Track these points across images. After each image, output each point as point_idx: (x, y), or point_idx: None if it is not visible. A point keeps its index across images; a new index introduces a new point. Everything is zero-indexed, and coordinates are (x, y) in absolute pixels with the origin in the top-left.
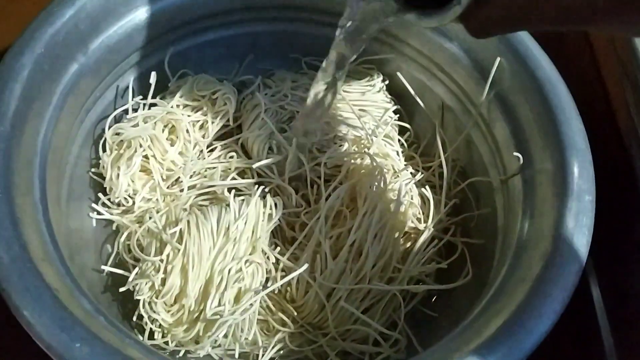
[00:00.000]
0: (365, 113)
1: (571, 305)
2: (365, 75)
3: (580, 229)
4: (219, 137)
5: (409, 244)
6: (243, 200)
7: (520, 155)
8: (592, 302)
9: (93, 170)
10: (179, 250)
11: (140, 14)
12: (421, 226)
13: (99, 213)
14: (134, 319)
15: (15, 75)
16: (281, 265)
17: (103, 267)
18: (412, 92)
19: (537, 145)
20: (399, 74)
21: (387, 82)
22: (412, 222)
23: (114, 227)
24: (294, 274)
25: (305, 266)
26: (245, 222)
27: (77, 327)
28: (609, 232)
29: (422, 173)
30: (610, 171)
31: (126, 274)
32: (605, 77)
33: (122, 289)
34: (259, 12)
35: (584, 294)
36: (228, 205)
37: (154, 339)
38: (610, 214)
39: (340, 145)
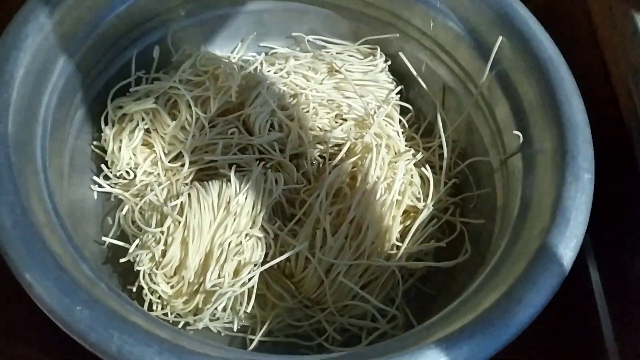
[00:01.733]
0: (368, 92)
1: (570, 289)
2: (368, 55)
3: (578, 206)
4: (221, 113)
5: (408, 222)
6: (244, 175)
7: (520, 134)
8: (590, 285)
9: (95, 143)
10: (179, 222)
11: None
12: (420, 205)
13: (100, 186)
14: (134, 290)
15: (20, 43)
16: (280, 240)
17: (104, 238)
18: (414, 72)
19: (538, 124)
20: (401, 54)
21: (389, 62)
22: (412, 200)
23: (115, 200)
24: (294, 250)
25: (306, 243)
26: (246, 197)
27: (79, 290)
28: (608, 215)
29: (422, 153)
30: (611, 155)
31: (127, 245)
32: (608, 60)
33: (122, 260)
34: None
35: (583, 277)
36: (229, 180)
37: (153, 311)
38: (610, 198)
39: (342, 124)
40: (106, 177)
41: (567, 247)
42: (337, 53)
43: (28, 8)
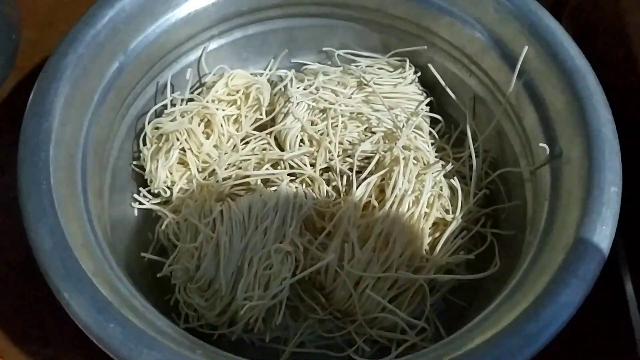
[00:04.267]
0: (397, 105)
1: (603, 300)
2: (398, 67)
3: (604, 220)
4: (255, 129)
5: (437, 234)
6: (275, 190)
7: (546, 146)
8: (625, 297)
9: (135, 162)
10: (211, 238)
11: (178, 13)
12: (449, 217)
13: (140, 203)
14: (171, 303)
15: (60, 74)
16: (310, 253)
17: (143, 254)
18: (443, 83)
19: (565, 135)
20: (430, 65)
21: (419, 74)
22: (440, 213)
23: (155, 216)
24: (322, 263)
25: (332, 255)
26: (277, 212)
27: (112, 309)
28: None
29: (452, 164)
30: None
31: (164, 260)
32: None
33: (159, 275)
34: (294, 7)
35: (616, 289)
36: (260, 195)
37: (188, 323)
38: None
39: (371, 138)
40: (145, 195)
41: (591, 263)
42: (367, 66)
43: (66, 41)
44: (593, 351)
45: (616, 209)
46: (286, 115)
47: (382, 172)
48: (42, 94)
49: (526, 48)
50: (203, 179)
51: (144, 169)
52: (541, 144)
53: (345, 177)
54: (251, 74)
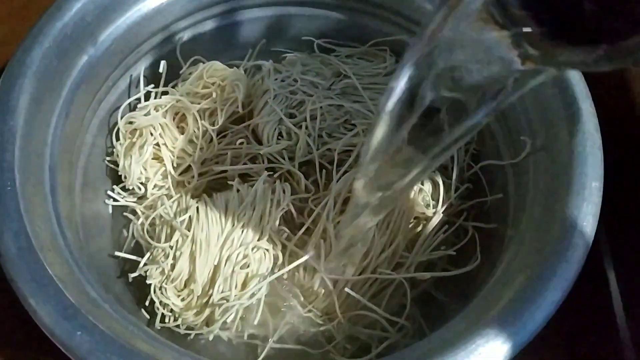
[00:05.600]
0: (377, 96)
1: (587, 297)
2: (378, 57)
3: (585, 215)
4: (232, 123)
5: (418, 229)
6: (252, 186)
7: (527, 139)
8: (608, 288)
9: (108, 159)
10: (187, 236)
11: (150, 3)
12: (430, 212)
13: (114, 200)
14: (147, 303)
15: (25, 70)
16: (289, 250)
17: (117, 253)
18: None
19: (546, 128)
20: None
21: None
22: (421, 208)
23: (129, 213)
24: (298, 262)
25: (309, 255)
26: (254, 208)
27: (79, 316)
28: (628, 217)
29: None
30: (626, 154)
31: (138, 259)
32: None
33: (133, 275)
34: None
35: (600, 281)
36: (238, 191)
37: (165, 323)
38: (629, 199)
39: (350, 130)
40: (119, 192)
41: (572, 258)
42: (346, 56)
43: (31, 35)
44: (577, 351)
45: (597, 204)
46: (263, 107)
47: None
48: (7, 92)
49: None
50: (178, 175)
51: (117, 165)
52: (522, 137)
53: (324, 171)
54: (228, 65)
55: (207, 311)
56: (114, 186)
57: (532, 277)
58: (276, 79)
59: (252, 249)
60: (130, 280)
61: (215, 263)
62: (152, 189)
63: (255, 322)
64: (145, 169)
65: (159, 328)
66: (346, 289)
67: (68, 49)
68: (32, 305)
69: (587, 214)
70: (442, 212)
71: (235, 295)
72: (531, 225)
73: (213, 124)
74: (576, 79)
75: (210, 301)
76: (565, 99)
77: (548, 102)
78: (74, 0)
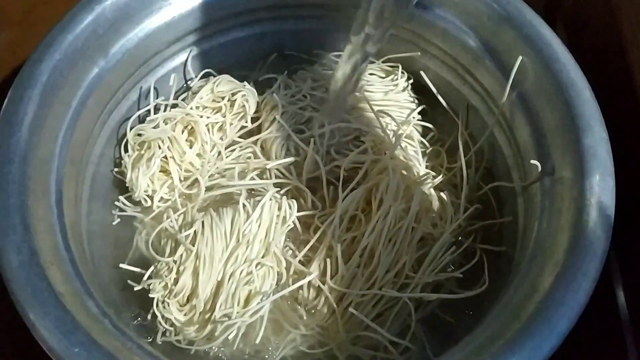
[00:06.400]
0: (385, 114)
1: (595, 319)
2: (389, 74)
3: (596, 242)
4: (239, 137)
5: (425, 249)
6: (259, 201)
7: (538, 164)
8: (617, 308)
9: (116, 169)
10: (191, 251)
11: (162, 17)
12: (437, 232)
13: (121, 210)
14: (149, 317)
15: (34, 82)
16: (293, 267)
17: (121, 265)
18: (435, 91)
19: (558, 152)
20: (422, 72)
21: (411, 80)
22: (428, 227)
23: (135, 225)
24: (303, 281)
25: (315, 274)
26: (259, 224)
27: (78, 332)
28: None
29: (443, 175)
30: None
31: (142, 272)
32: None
33: (136, 288)
34: (284, 10)
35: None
36: (244, 206)
37: (166, 337)
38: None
39: (359, 147)
40: (125, 203)
41: (580, 288)
42: None
43: (41, 47)
44: None
45: (608, 231)
46: (272, 123)
47: (370, 184)
48: (15, 103)
49: (520, 58)
50: (185, 188)
51: (125, 176)
52: (532, 161)
53: (331, 187)
54: (238, 79)
55: (209, 327)
56: (120, 197)
57: (541, 307)
58: (286, 94)
59: (256, 265)
60: (133, 292)
61: (219, 279)
62: (158, 201)
63: (257, 341)
64: (152, 182)
65: (160, 342)
66: (350, 309)
67: (79, 61)
68: (31, 320)
69: (599, 240)
70: (450, 234)
71: (237, 312)
72: (538, 252)
73: (222, 138)
74: (591, 106)
75: (212, 317)
76: (577, 123)
77: (558, 125)
78: (86, 13)
